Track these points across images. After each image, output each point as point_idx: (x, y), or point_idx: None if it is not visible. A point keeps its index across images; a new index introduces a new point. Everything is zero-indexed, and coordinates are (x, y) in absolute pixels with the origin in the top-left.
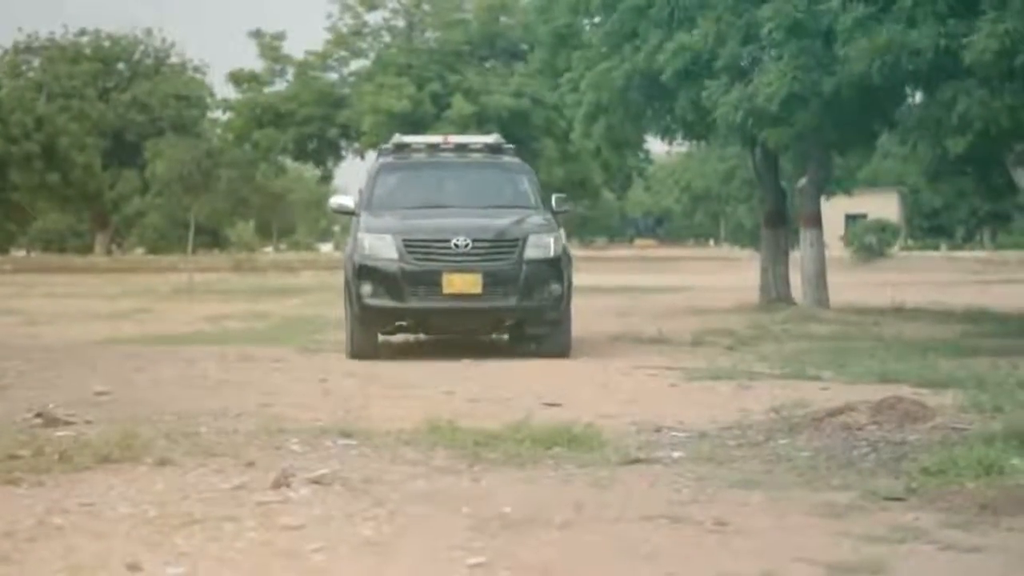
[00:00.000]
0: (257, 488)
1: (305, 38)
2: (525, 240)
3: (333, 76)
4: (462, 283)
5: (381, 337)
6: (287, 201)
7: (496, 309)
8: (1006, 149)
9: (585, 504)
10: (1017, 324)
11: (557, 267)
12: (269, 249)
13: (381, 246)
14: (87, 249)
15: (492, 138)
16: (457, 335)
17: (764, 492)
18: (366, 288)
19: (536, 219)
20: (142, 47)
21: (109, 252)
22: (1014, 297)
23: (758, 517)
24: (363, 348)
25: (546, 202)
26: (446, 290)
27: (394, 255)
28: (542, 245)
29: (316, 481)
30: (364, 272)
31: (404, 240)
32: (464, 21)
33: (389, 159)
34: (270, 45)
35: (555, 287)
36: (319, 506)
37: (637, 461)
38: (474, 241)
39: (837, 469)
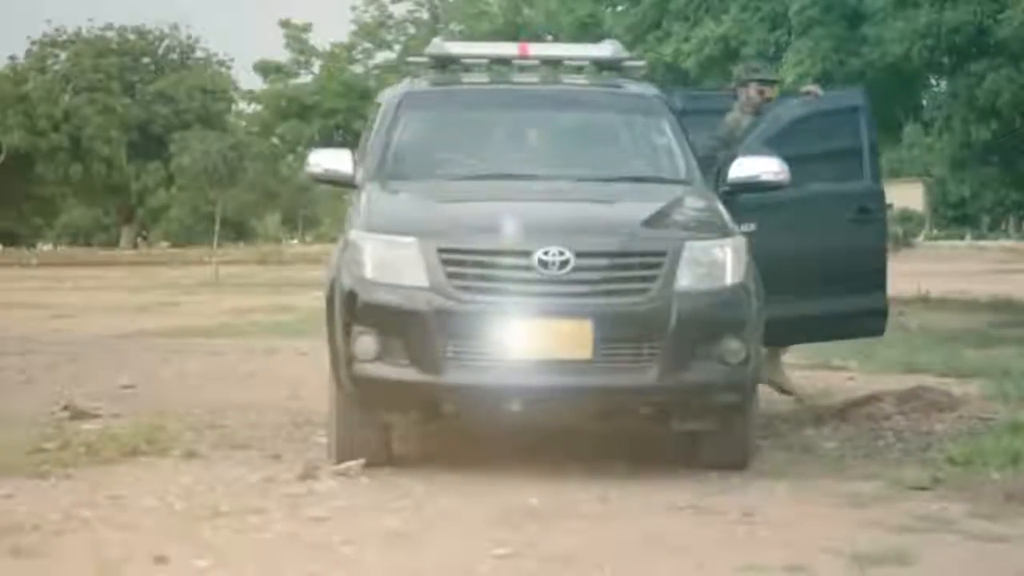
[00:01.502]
0: (283, 480)
1: (331, 30)
2: (677, 252)
3: (359, 68)
4: (553, 339)
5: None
6: (313, 193)
7: (618, 390)
8: None
9: (610, 496)
10: None
11: (737, 306)
12: (295, 241)
13: (396, 260)
14: (113, 242)
15: (608, 48)
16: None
17: (790, 483)
18: (365, 344)
19: (694, 206)
20: (167, 41)
21: (135, 245)
22: None
23: (784, 508)
24: (357, 447)
25: (707, 171)
26: (521, 352)
27: (421, 279)
28: (708, 262)
29: (342, 473)
30: (362, 312)
31: (442, 250)
32: (488, 13)
33: (421, 85)
34: (296, 36)
35: (733, 345)
36: (345, 498)
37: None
38: (577, 255)
39: (863, 459)
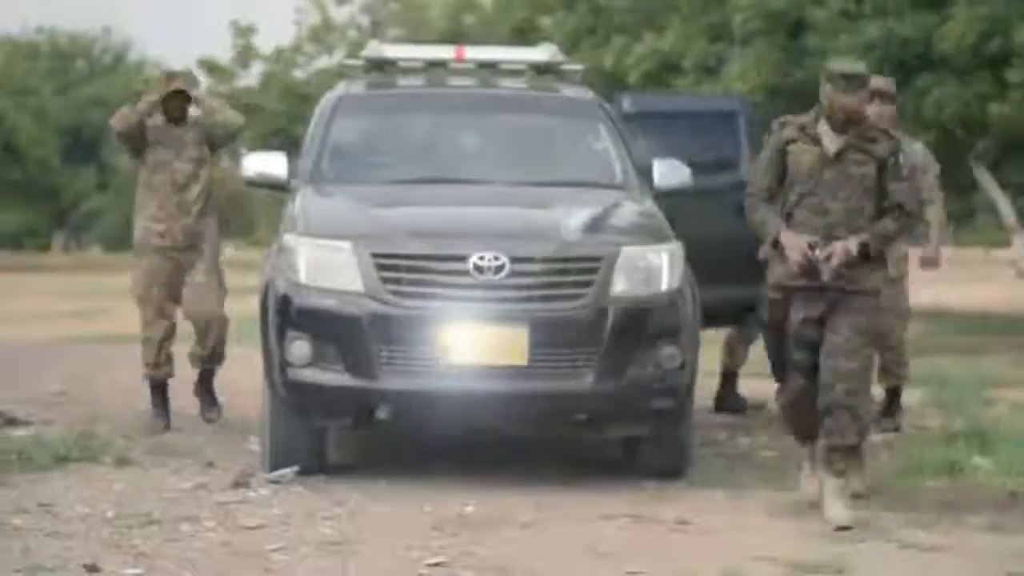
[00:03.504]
0: (217, 488)
1: (279, 34)
2: (613, 258)
3: (301, 73)
4: (489, 344)
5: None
6: (247, 198)
7: (553, 396)
8: (969, 148)
9: (546, 504)
10: (978, 322)
11: (673, 312)
12: (229, 248)
13: (331, 264)
14: (45, 247)
15: (545, 51)
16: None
17: (727, 491)
18: (299, 349)
19: (630, 212)
20: (101, 44)
21: (67, 250)
22: (975, 295)
23: (721, 516)
24: (291, 454)
25: (644, 173)
26: (456, 357)
27: (356, 284)
28: (644, 268)
29: (276, 481)
30: (296, 317)
31: (376, 254)
32: (429, 19)
33: (357, 88)
34: (240, 37)
35: (668, 351)
36: (279, 506)
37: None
38: (513, 260)
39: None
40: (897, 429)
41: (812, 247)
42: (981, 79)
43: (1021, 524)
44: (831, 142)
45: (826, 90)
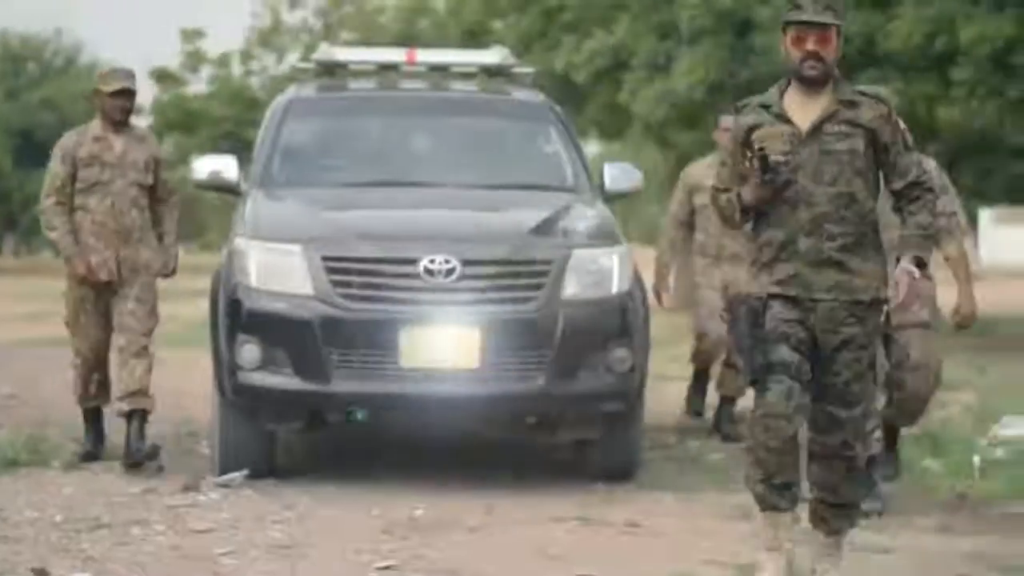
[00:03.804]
0: (166, 492)
1: (230, 38)
2: (564, 261)
3: (253, 78)
4: (440, 347)
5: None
6: (198, 202)
7: (504, 399)
8: (920, 151)
9: (496, 507)
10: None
11: (623, 315)
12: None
13: (281, 268)
14: None
15: (496, 54)
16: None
17: (676, 494)
18: (249, 353)
19: (582, 215)
20: (52, 46)
21: (17, 254)
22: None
23: (670, 519)
24: (241, 457)
25: (592, 175)
26: (409, 360)
27: (306, 287)
28: (595, 270)
29: (225, 484)
30: (246, 321)
31: (326, 257)
32: (382, 23)
33: (307, 91)
34: (188, 42)
35: (619, 353)
36: (228, 509)
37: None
38: (463, 263)
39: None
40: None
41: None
42: (928, 79)
43: (970, 526)
44: (803, 115)
45: (786, 43)
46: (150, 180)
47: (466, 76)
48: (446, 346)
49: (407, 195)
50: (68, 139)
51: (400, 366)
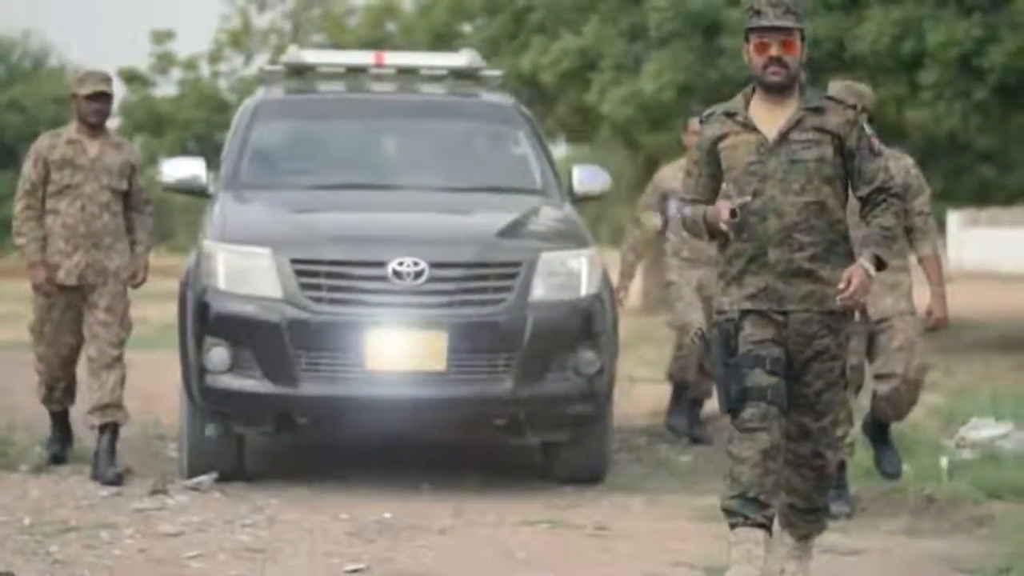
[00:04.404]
0: (135, 495)
1: (197, 41)
2: (532, 263)
3: (221, 80)
4: (408, 350)
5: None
6: (167, 204)
7: (472, 401)
8: None
9: (465, 510)
10: None
11: (591, 317)
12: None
13: (250, 271)
14: None
15: (464, 57)
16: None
17: (644, 497)
18: (217, 356)
19: (550, 217)
20: (20, 48)
21: None
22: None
23: (638, 522)
24: (209, 460)
25: (561, 179)
26: (376, 363)
27: (275, 290)
28: (563, 273)
29: (194, 488)
30: (215, 324)
31: (295, 260)
32: (351, 25)
33: (276, 93)
34: (158, 44)
35: (587, 356)
36: (197, 513)
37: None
38: (432, 266)
39: (716, 474)
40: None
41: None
42: (897, 81)
43: (936, 527)
44: (770, 123)
45: (748, 50)
46: (124, 186)
47: (434, 79)
48: (414, 349)
49: (376, 198)
50: (42, 142)
51: (368, 369)
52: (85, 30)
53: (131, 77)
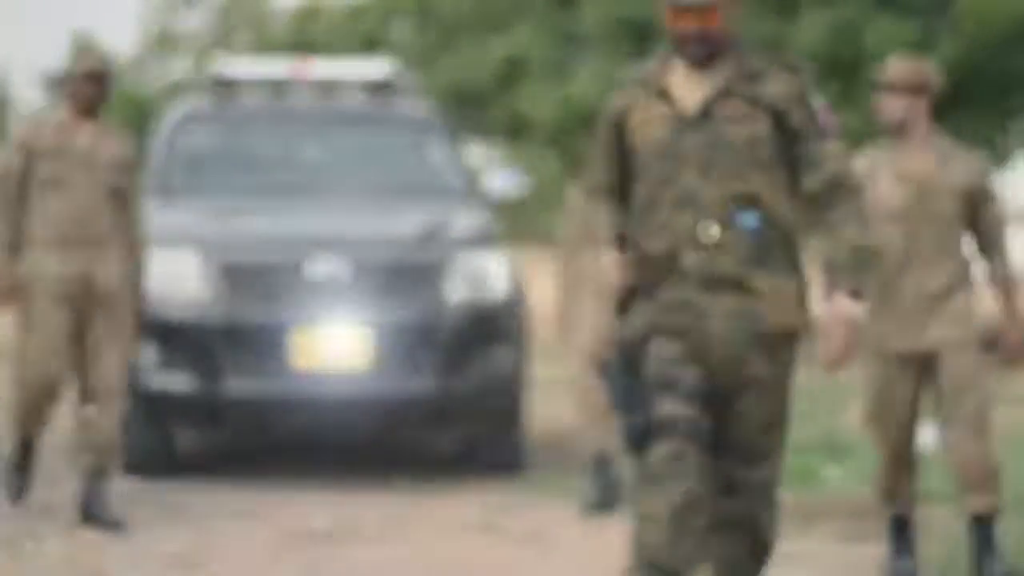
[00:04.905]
0: (62, 503)
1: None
2: (450, 264)
3: (145, 84)
4: (332, 350)
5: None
6: None
7: (396, 399)
8: None
9: (399, 515)
10: None
11: (502, 317)
12: None
13: (175, 272)
14: None
15: (380, 68)
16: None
17: (578, 503)
18: (147, 357)
19: (465, 220)
20: None
21: None
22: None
23: (572, 529)
24: (146, 456)
25: (475, 183)
26: (299, 362)
27: (202, 292)
28: (478, 273)
29: (124, 494)
30: (144, 325)
31: (220, 261)
32: (275, 28)
33: (202, 102)
34: (78, 44)
35: (501, 353)
36: (124, 519)
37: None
38: (355, 266)
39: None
40: None
41: None
42: (836, 84)
43: (871, 532)
44: (690, 92)
45: (667, 21)
46: (124, 183)
47: (354, 88)
48: (337, 348)
49: (298, 202)
50: (24, 127)
51: (293, 369)
52: (2, 30)
53: (51, 83)
